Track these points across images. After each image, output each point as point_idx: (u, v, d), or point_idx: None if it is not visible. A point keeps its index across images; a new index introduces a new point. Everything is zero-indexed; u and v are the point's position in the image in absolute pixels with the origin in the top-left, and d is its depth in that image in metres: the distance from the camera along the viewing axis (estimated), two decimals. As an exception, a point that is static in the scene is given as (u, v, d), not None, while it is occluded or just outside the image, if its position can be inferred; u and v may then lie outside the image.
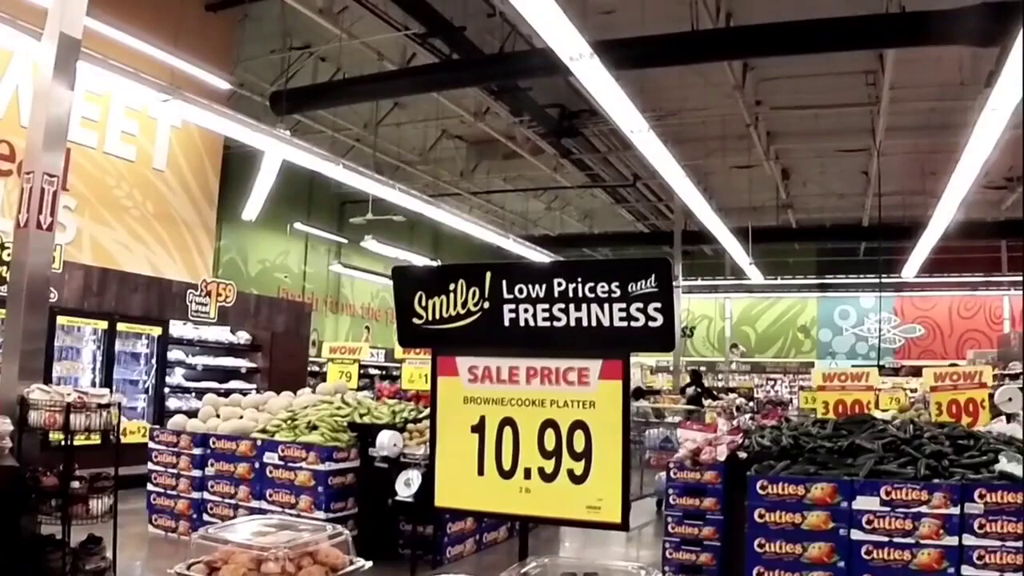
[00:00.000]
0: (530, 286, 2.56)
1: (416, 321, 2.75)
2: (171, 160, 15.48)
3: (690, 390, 20.53)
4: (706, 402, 18.05)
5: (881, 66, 14.15)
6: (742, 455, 7.89)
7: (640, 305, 2.37)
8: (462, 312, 2.66)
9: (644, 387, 24.35)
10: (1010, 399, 9.40)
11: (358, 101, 16.26)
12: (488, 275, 2.67)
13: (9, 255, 8.89)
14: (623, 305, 2.40)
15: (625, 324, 2.40)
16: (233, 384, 14.28)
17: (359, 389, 11.91)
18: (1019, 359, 19.07)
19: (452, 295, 2.68)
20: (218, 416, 10.04)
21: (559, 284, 2.51)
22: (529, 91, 16.17)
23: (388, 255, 21.43)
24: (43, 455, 6.91)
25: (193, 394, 13.65)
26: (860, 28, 11.09)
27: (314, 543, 2.64)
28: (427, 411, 10.33)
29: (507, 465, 2.58)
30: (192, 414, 10.51)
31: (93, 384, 12.09)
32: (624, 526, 2.47)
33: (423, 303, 2.75)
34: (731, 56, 13.34)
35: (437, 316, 2.71)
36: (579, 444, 2.48)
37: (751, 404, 17.89)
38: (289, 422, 9.44)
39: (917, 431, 7.77)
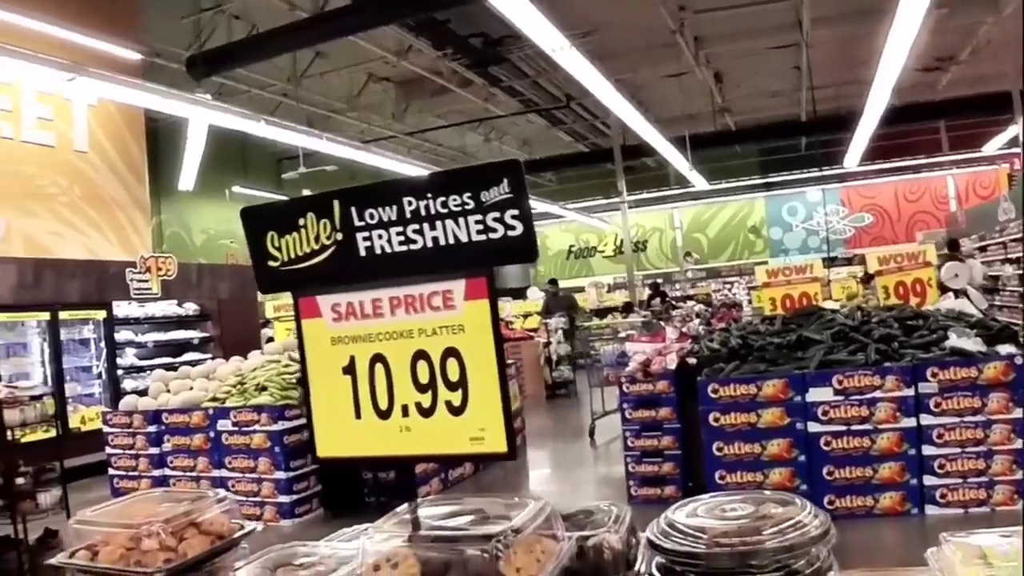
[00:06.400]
0: (381, 210, 2.37)
1: (272, 264, 2.56)
2: (92, 140, 15.06)
3: (655, 303, 20.54)
4: (673, 312, 18.03)
5: (799, -45, 13.97)
6: (692, 361, 7.84)
7: (496, 214, 2.21)
8: (316, 248, 2.47)
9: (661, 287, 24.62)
10: (956, 275, 9.45)
11: (275, 55, 15.84)
12: (336, 203, 2.48)
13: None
14: (479, 217, 2.22)
15: (484, 237, 2.23)
16: (189, 356, 14.13)
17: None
18: (967, 236, 19.24)
19: (304, 231, 2.50)
20: (168, 391, 9.91)
21: (410, 203, 2.32)
22: (448, 23, 15.87)
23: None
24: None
25: (148, 372, 13.43)
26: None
27: (197, 512, 2.51)
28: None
29: (383, 405, 2.42)
30: (140, 393, 10.39)
31: (44, 377, 11.92)
32: (511, 455, 2.31)
33: (276, 243, 2.56)
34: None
35: (292, 256, 2.52)
36: (453, 373, 2.32)
37: (709, 310, 17.87)
38: (239, 387, 9.32)
39: (865, 317, 7.79)
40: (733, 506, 2.29)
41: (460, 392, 2.26)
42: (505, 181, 2.15)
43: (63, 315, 12.36)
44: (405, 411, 2.35)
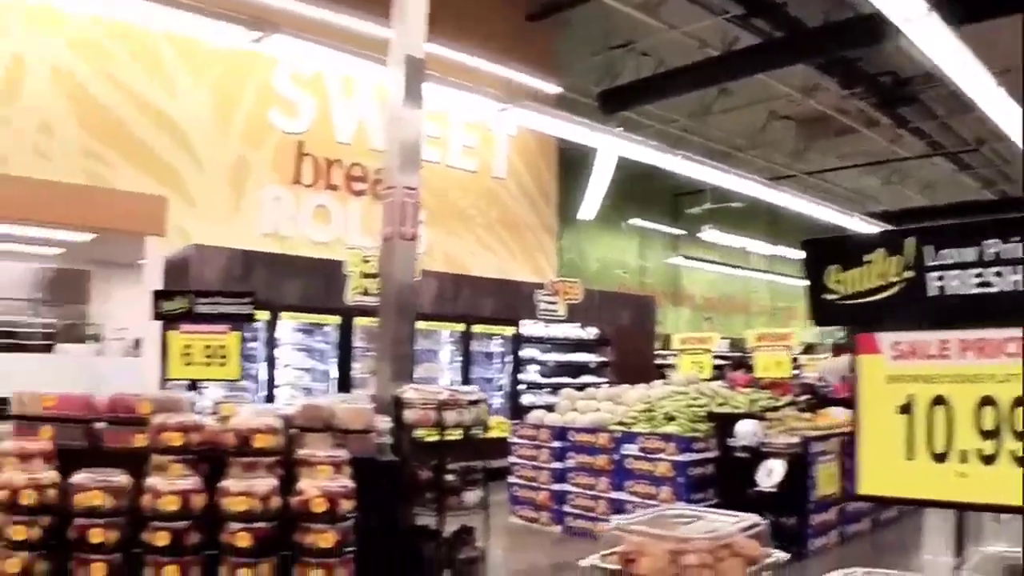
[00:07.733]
0: (959, 250, 2.35)
1: (830, 297, 2.60)
2: (510, 168, 16.18)
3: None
4: None
5: None
6: None
7: (1095, 260, 2.12)
8: (882, 284, 2.47)
9: None
10: None
11: (683, 92, 16.08)
12: (910, 241, 2.47)
13: (373, 268, 9.51)
14: (1073, 262, 2.15)
15: (1075, 283, 2.15)
16: (584, 379, 14.44)
17: (711, 379, 11.76)
18: None
19: (870, 267, 2.51)
20: (575, 410, 10.20)
21: (993, 245, 2.29)
22: (859, 61, 15.50)
23: (726, 244, 21.39)
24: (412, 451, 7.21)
25: (546, 389, 13.98)
26: None
27: (730, 535, 2.57)
28: (784, 399, 10.10)
29: (939, 448, 2.38)
30: (546, 408, 10.79)
31: (451, 383, 12.65)
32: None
33: (837, 277, 2.58)
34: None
35: (854, 290, 2.54)
36: (1022, 423, 2.25)
37: None
38: (646, 413, 9.47)
39: None
40: None
41: (1029, 443, 2.20)
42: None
43: (475, 328, 13.20)
44: (963, 457, 2.31)
